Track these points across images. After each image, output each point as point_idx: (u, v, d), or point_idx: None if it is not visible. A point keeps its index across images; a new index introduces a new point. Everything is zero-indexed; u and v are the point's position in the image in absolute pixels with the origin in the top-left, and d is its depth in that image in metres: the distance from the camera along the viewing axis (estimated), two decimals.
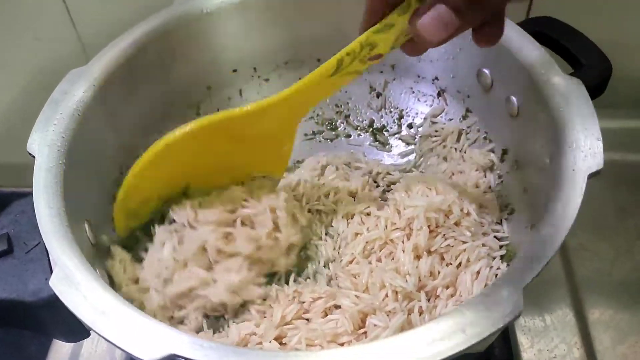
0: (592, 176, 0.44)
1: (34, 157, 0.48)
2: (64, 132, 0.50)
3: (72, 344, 0.63)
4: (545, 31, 0.57)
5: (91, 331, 0.47)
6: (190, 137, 0.50)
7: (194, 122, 0.51)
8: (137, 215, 0.55)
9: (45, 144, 0.49)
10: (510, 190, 0.59)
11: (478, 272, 0.52)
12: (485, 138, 0.63)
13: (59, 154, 0.48)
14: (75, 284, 0.40)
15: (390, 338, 0.37)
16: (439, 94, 0.67)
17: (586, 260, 0.66)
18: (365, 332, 0.49)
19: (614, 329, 0.61)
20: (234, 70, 0.67)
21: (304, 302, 0.52)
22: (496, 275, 0.53)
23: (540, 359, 0.59)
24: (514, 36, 0.55)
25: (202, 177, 0.55)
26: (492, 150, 0.62)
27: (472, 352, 0.53)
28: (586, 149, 0.46)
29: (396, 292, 0.51)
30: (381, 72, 0.70)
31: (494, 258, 0.54)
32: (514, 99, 0.57)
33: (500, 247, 0.56)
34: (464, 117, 0.65)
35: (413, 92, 0.69)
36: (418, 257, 0.53)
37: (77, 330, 0.48)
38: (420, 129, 0.69)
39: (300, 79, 0.55)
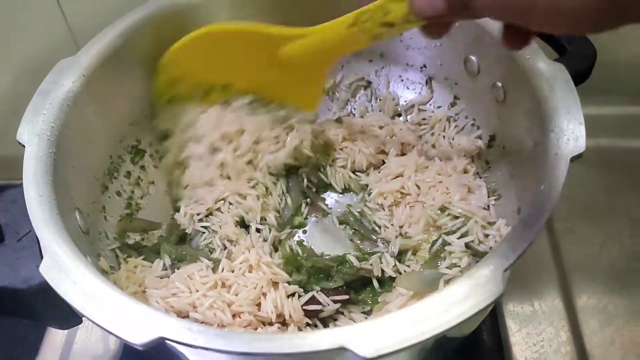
0: (574, 159, 0.45)
1: (24, 146, 0.48)
2: (54, 122, 0.50)
3: (66, 333, 0.64)
4: None
5: (83, 318, 0.48)
6: (228, 35, 0.58)
7: (233, 23, 0.59)
8: (175, 88, 0.61)
9: (34, 133, 0.49)
10: (497, 176, 0.60)
11: None
12: (473, 125, 0.64)
13: (49, 143, 0.49)
14: (65, 270, 0.41)
15: (374, 319, 0.37)
16: (427, 82, 0.68)
17: (575, 244, 0.67)
18: None
19: (601, 312, 0.62)
20: None
21: None
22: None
23: (528, 342, 0.60)
24: (499, 23, 0.55)
25: (242, 80, 0.61)
26: (479, 137, 0.63)
27: (457, 336, 0.54)
28: (569, 132, 0.46)
29: None
30: (370, 60, 0.70)
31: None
32: (500, 85, 0.57)
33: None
34: (452, 105, 0.66)
35: (402, 80, 0.69)
36: None
37: (69, 317, 0.48)
38: (408, 117, 0.69)
39: None
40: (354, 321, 0.54)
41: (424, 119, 0.67)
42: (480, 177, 0.61)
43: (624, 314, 0.61)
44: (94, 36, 0.58)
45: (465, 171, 0.61)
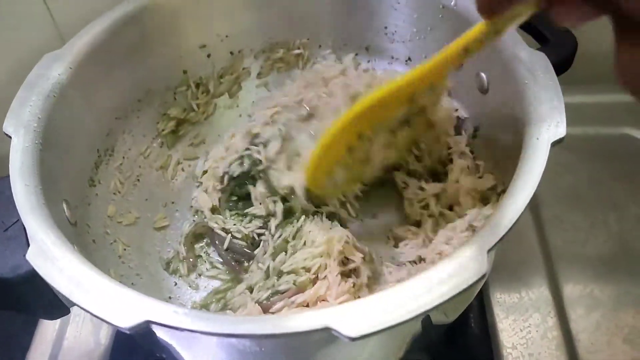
0: (555, 144, 0.46)
1: (10, 137, 0.49)
2: (40, 113, 0.51)
3: (57, 329, 0.64)
4: None
5: (72, 309, 0.48)
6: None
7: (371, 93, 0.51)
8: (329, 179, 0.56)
9: (21, 124, 0.49)
10: (481, 166, 0.61)
11: None
12: (457, 117, 0.64)
13: (35, 134, 0.49)
14: (51, 258, 0.41)
15: (357, 300, 0.38)
16: None
17: (561, 231, 0.67)
18: None
19: (587, 297, 0.62)
20: (209, 55, 0.68)
21: None
22: None
23: (515, 329, 0.61)
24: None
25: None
26: (464, 128, 0.63)
27: (443, 322, 0.54)
28: (550, 119, 0.47)
29: None
30: (356, 54, 0.71)
31: None
32: (483, 75, 0.58)
33: None
34: None
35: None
36: None
37: (57, 306, 0.48)
38: None
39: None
40: None
41: None
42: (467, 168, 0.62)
43: (609, 299, 0.62)
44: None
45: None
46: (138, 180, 0.64)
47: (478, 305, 0.63)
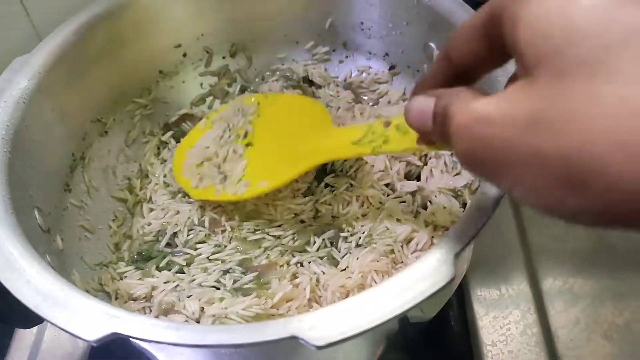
0: None
1: None
2: (9, 121, 0.50)
3: (35, 332, 0.64)
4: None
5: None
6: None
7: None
8: None
9: None
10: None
11: None
12: None
13: (3, 142, 0.48)
14: (18, 269, 0.40)
15: (322, 308, 0.38)
16: (390, 69, 0.68)
17: (541, 227, 0.67)
18: None
19: (567, 293, 0.63)
20: (184, 55, 0.67)
21: None
22: None
23: (495, 325, 0.61)
24: (455, 8, 0.55)
25: None
26: None
27: (420, 320, 0.54)
28: None
29: None
30: (334, 50, 0.70)
31: None
32: None
33: None
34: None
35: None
36: None
37: (31, 316, 0.48)
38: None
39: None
40: None
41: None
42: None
43: (588, 294, 0.62)
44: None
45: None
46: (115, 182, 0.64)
47: (458, 302, 0.63)
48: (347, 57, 0.70)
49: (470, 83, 0.36)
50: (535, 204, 0.28)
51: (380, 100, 0.68)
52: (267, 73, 0.71)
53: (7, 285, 0.40)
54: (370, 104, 0.68)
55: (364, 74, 0.69)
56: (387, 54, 0.67)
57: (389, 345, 0.53)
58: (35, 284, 0.40)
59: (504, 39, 0.30)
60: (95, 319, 0.38)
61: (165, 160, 0.66)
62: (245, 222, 0.58)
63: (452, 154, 0.58)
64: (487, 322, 0.61)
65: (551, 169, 0.26)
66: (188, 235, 0.58)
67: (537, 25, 0.27)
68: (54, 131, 0.56)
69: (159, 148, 0.67)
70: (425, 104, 0.35)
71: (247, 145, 0.59)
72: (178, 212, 0.60)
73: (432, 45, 0.60)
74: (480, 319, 0.61)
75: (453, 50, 0.36)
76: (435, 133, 0.35)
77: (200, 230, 0.58)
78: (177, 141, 0.67)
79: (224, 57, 0.70)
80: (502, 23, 0.30)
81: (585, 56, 0.25)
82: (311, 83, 0.70)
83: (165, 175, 0.64)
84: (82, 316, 0.38)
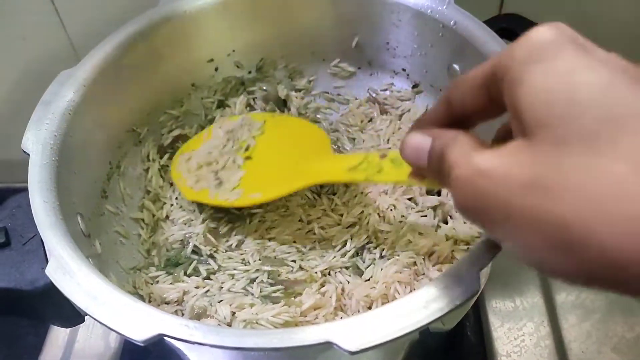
0: None
1: (28, 154, 0.51)
2: (56, 131, 0.53)
3: (68, 332, 0.67)
4: (512, 27, 0.60)
5: (86, 317, 0.51)
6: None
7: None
8: None
9: (38, 142, 0.51)
10: None
11: None
12: None
13: (52, 151, 0.51)
14: (69, 272, 0.43)
15: (354, 316, 0.40)
16: (413, 87, 0.70)
17: None
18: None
19: (579, 307, 0.65)
20: (216, 69, 0.70)
21: None
22: None
23: (510, 337, 0.63)
24: (479, 33, 0.58)
25: None
26: None
27: (440, 330, 0.57)
28: None
29: None
30: (359, 68, 0.73)
31: None
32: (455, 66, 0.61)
33: None
34: None
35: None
36: None
37: (72, 316, 0.50)
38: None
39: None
40: None
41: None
42: None
43: (600, 309, 0.64)
44: (93, 46, 0.60)
45: None
46: (147, 191, 0.66)
47: (474, 314, 0.65)
48: (371, 74, 0.73)
49: (469, 127, 0.38)
50: (525, 260, 0.31)
51: (402, 117, 0.70)
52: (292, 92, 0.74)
53: (60, 287, 0.43)
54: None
55: (387, 91, 0.72)
56: (410, 73, 0.70)
57: (408, 354, 0.56)
58: (85, 286, 0.43)
59: (502, 96, 0.32)
60: (142, 321, 0.40)
61: (171, 184, 0.68)
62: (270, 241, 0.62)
63: None
64: (501, 333, 0.63)
65: (543, 231, 0.27)
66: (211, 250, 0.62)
67: (541, 92, 0.29)
68: (94, 140, 0.59)
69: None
70: (422, 141, 0.37)
71: (247, 158, 0.63)
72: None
73: (456, 67, 0.62)
74: (495, 330, 0.64)
75: (453, 96, 0.38)
76: (429, 170, 0.38)
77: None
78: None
79: (250, 72, 0.73)
80: (504, 81, 0.31)
81: (585, 129, 0.27)
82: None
83: (176, 198, 0.67)
84: (130, 318, 0.41)
